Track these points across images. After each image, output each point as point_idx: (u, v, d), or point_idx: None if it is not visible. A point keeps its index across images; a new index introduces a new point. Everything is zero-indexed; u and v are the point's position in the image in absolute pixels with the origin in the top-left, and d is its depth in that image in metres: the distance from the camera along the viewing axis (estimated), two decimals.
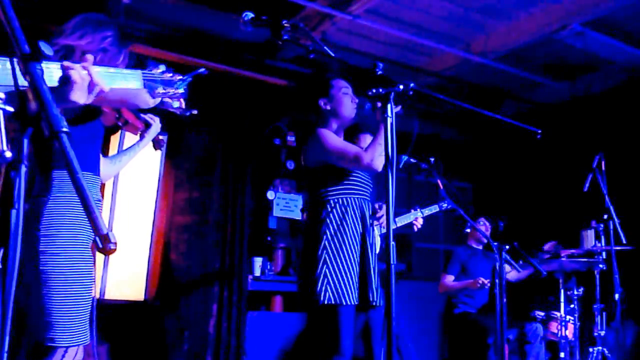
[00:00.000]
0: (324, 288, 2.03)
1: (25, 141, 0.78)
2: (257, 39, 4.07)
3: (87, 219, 1.60)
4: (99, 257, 3.65)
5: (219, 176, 4.24)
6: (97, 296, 3.43)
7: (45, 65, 1.19)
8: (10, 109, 0.83)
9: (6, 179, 0.77)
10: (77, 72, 1.19)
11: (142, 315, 3.71)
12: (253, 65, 4.31)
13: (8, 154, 0.78)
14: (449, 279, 3.96)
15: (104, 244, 0.75)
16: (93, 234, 1.65)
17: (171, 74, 1.50)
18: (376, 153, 2.09)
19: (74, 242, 1.58)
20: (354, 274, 2.10)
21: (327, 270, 2.05)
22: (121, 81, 1.37)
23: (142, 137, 2.00)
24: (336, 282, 2.05)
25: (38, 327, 1.52)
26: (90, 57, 1.27)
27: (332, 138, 2.22)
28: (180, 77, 1.50)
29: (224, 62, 4.18)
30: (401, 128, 1.77)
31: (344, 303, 2.03)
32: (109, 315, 3.49)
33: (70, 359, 1.56)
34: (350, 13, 3.68)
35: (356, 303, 2.08)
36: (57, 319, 1.53)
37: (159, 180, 3.93)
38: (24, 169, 0.78)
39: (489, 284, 3.64)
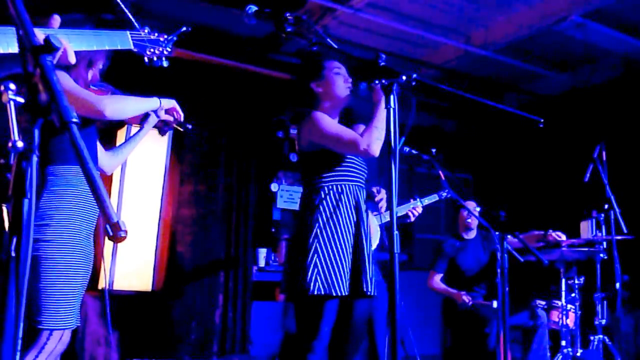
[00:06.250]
0: (314, 278, 1.93)
1: (37, 132, 0.79)
2: (260, 33, 4.11)
3: (83, 211, 1.67)
4: (108, 249, 3.73)
5: (223, 169, 4.30)
6: (106, 287, 3.54)
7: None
8: (20, 99, 0.84)
9: (18, 168, 0.78)
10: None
11: (149, 306, 3.78)
12: (256, 59, 4.36)
13: (20, 144, 0.78)
14: (437, 277, 3.95)
15: (115, 232, 0.75)
16: (92, 224, 1.71)
17: (157, 34, 1.53)
18: (372, 137, 1.98)
19: (66, 231, 1.64)
20: (345, 263, 2.00)
21: (317, 260, 1.95)
22: (110, 42, 1.34)
23: (141, 127, 1.94)
24: (327, 272, 1.95)
25: (28, 310, 1.60)
26: (57, 17, 1.20)
27: (328, 121, 2.10)
28: (166, 36, 1.55)
29: (227, 57, 4.23)
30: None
31: (334, 294, 1.94)
32: (118, 306, 3.57)
33: (54, 341, 1.62)
34: (351, 6, 3.71)
35: (346, 294, 1.99)
36: (45, 303, 1.60)
37: (164, 174, 3.98)
38: (35, 159, 0.79)
39: (470, 303, 3.69)
